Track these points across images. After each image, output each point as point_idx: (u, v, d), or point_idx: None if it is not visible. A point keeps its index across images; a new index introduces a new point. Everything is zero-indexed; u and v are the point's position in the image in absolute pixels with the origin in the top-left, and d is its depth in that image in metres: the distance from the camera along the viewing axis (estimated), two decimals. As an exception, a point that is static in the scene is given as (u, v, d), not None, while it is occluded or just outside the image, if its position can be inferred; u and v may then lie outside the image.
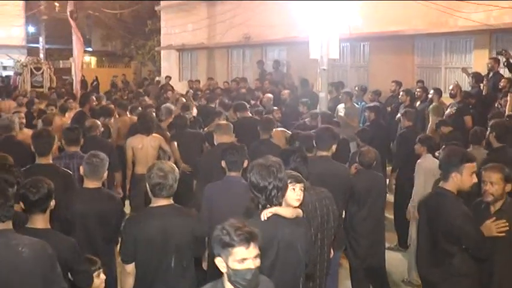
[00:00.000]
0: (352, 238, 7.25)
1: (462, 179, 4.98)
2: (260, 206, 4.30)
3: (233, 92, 16.74)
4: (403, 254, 8.72)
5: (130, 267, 4.78)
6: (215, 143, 7.64)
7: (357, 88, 14.65)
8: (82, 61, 20.95)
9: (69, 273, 4.48)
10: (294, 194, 4.46)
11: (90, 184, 5.64)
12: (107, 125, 10.37)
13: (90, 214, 5.50)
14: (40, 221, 4.52)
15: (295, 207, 4.49)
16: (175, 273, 4.77)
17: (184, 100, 13.60)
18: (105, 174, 5.77)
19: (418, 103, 12.47)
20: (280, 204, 4.35)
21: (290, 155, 5.36)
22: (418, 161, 7.96)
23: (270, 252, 4.23)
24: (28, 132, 9.08)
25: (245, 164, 5.84)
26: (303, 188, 4.59)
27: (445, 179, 5.08)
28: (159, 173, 4.71)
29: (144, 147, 8.90)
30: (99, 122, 9.26)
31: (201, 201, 5.94)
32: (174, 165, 4.94)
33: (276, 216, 4.25)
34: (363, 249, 7.25)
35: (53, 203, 4.59)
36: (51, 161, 6.64)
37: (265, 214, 4.23)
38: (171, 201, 4.86)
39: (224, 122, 7.77)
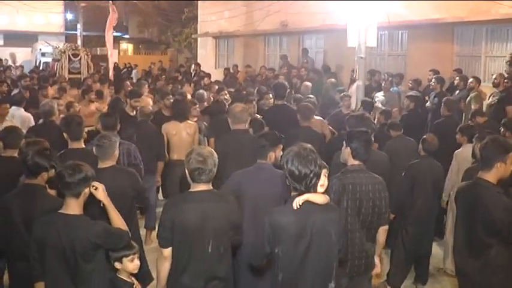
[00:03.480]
0: (402, 227, 7.50)
1: (506, 167, 4.94)
2: (293, 194, 4.30)
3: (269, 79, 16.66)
4: (438, 243, 8.62)
5: (168, 252, 4.75)
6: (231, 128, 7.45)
7: (386, 76, 14.52)
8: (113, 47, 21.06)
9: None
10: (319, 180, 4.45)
11: (102, 165, 5.89)
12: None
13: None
14: (72, 206, 4.54)
15: (321, 193, 4.49)
16: (211, 258, 4.74)
17: (216, 86, 13.55)
18: (116, 153, 6.03)
19: (457, 92, 12.25)
20: (314, 191, 4.34)
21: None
22: (458, 150, 7.88)
23: (304, 239, 4.23)
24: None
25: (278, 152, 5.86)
26: (326, 174, 4.64)
27: (487, 169, 4.99)
28: (198, 158, 4.69)
29: (177, 133, 8.91)
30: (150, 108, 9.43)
31: (224, 185, 5.86)
32: (213, 150, 4.90)
33: (307, 202, 4.24)
34: (412, 239, 7.44)
35: (87, 190, 4.61)
36: (83, 145, 6.78)
37: (297, 202, 4.23)
38: (210, 186, 4.83)
39: (238, 108, 7.49)
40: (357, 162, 5.39)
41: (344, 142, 5.52)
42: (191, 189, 4.82)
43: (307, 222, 4.23)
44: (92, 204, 4.79)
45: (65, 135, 6.75)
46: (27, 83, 14.96)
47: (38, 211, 4.85)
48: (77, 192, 4.53)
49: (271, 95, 11.26)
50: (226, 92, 11.83)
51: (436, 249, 8.35)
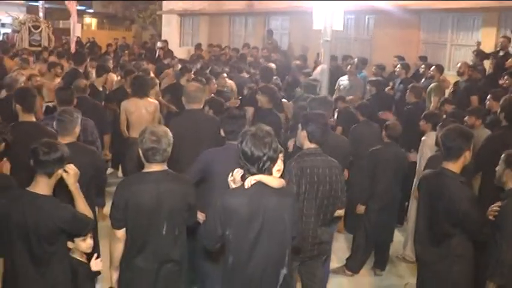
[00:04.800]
0: (364, 213, 7.49)
1: (469, 154, 5.01)
2: (247, 174, 4.17)
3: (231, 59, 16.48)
4: (398, 230, 8.63)
5: (121, 233, 4.61)
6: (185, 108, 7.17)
7: (356, 60, 14.41)
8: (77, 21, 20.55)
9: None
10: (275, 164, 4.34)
11: (62, 140, 5.51)
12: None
13: None
14: (42, 186, 4.31)
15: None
16: (166, 240, 4.62)
17: (180, 66, 13.29)
18: (77, 130, 5.81)
19: (423, 80, 12.22)
20: (269, 174, 4.22)
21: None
22: (423, 138, 7.84)
23: (255, 223, 4.10)
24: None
25: None
26: (282, 158, 4.58)
27: (453, 159, 5.00)
28: (152, 137, 4.52)
29: (137, 111, 8.66)
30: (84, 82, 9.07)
31: (193, 164, 5.73)
32: (168, 129, 4.73)
33: (261, 185, 4.11)
34: (374, 226, 7.46)
35: (60, 171, 4.37)
36: (34, 119, 6.52)
37: (249, 181, 4.10)
38: (164, 166, 4.67)
39: (193, 86, 7.24)
40: (313, 145, 5.33)
41: (300, 125, 5.44)
42: (145, 170, 4.66)
43: (259, 205, 4.10)
44: (62, 186, 4.56)
45: (17, 106, 6.43)
46: (-1, 56, 14.60)
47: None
48: (50, 172, 4.31)
49: (225, 74, 11.14)
50: (192, 73, 11.63)
51: (397, 236, 8.34)
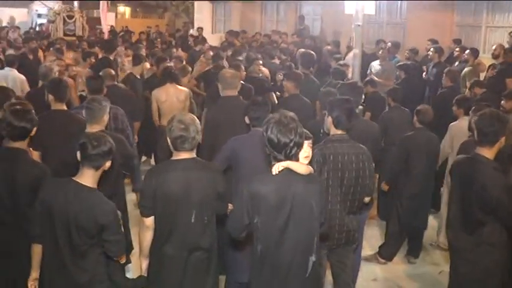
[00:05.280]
0: (397, 200, 7.44)
1: (504, 140, 4.88)
2: (274, 162, 4.13)
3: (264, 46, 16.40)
4: (433, 216, 8.52)
5: (150, 221, 4.61)
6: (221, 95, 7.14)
7: (389, 44, 14.21)
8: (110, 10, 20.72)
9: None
10: (302, 150, 4.31)
11: (90, 128, 5.65)
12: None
13: None
14: (87, 177, 4.32)
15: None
16: (195, 228, 4.60)
17: (211, 53, 13.21)
18: (106, 118, 5.87)
19: (456, 63, 12.02)
20: (296, 161, 4.19)
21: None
22: (453, 123, 7.70)
23: (284, 210, 4.07)
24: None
25: None
26: (311, 145, 4.55)
27: (487, 144, 4.85)
28: (180, 126, 4.50)
29: (168, 99, 8.68)
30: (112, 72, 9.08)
31: (219, 153, 5.73)
32: (195, 117, 4.71)
33: (289, 171, 4.08)
34: (407, 212, 7.38)
35: (108, 163, 4.39)
36: (65, 108, 6.58)
37: (277, 168, 4.06)
38: (193, 154, 4.66)
39: (229, 72, 7.24)
40: (339, 131, 5.26)
41: (326, 112, 5.38)
42: (173, 158, 4.65)
43: (287, 192, 4.06)
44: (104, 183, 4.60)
45: (50, 96, 6.45)
46: (35, 45, 14.92)
47: (21, 176, 4.71)
48: (98, 165, 4.32)
49: (260, 62, 11.09)
50: (224, 60, 11.60)
51: (431, 222, 8.24)
